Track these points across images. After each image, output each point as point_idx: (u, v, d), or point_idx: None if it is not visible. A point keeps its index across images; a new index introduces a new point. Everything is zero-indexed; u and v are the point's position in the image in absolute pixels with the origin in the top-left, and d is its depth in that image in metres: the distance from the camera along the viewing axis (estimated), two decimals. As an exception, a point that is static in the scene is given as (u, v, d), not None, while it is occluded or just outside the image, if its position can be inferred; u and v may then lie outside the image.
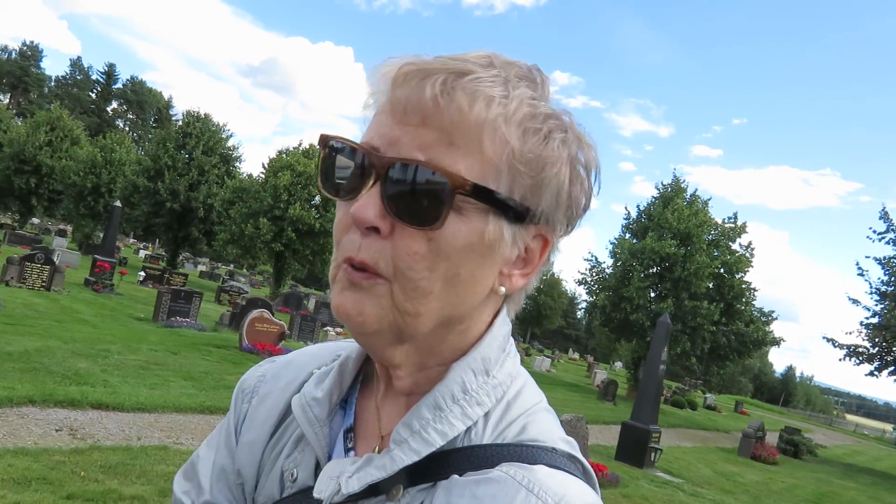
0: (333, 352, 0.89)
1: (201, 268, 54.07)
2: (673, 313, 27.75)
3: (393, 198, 0.65)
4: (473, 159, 0.65)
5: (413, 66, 0.67)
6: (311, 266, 38.30)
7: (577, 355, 78.13)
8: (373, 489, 0.70)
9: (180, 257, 47.81)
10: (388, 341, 0.71)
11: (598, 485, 0.72)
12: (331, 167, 0.72)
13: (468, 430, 0.71)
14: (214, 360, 12.69)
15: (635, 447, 12.89)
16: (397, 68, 0.68)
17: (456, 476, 0.67)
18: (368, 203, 0.66)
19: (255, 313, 14.84)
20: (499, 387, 0.73)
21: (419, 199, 0.65)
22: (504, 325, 0.77)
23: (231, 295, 27.85)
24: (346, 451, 0.78)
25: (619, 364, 61.43)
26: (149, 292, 23.75)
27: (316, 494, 0.73)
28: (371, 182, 0.66)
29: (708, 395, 44.61)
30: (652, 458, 13.04)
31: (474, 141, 0.65)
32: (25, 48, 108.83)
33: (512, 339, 0.79)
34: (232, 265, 66.07)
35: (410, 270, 0.66)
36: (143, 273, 28.92)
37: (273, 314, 15.61)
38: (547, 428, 0.73)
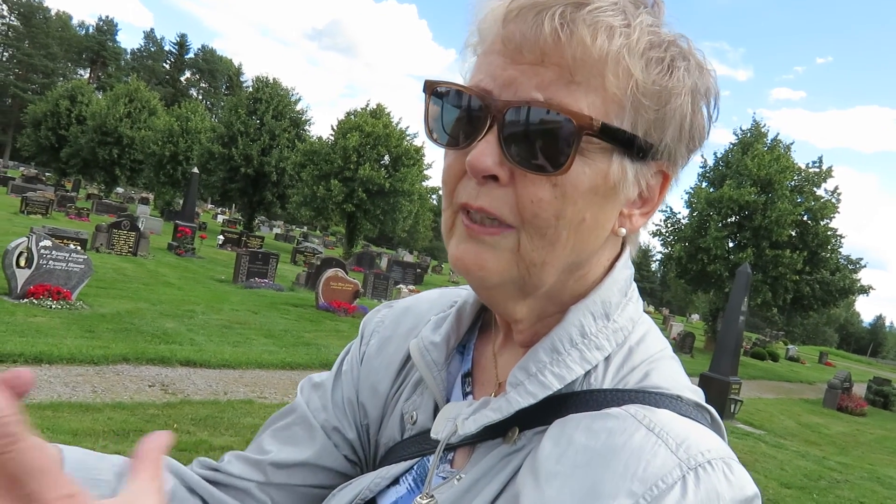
0: (451, 298, 0.89)
1: (276, 230, 55.61)
2: (753, 263, 26.86)
3: (512, 143, 0.62)
4: (595, 96, 0.62)
5: None
6: (381, 226, 38.76)
7: (652, 308, 77.04)
8: (489, 431, 0.70)
9: (256, 221, 49.19)
10: (511, 295, 0.69)
11: (726, 436, 0.68)
12: (438, 114, 0.69)
13: (587, 374, 0.69)
14: (293, 319, 13.08)
15: (714, 399, 12.65)
16: (507, 3, 0.64)
17: (573, 414, 0.65)
18: (485, 150, 0.62)
19: (329, 272, 15.18)
20: (619, 331, 0.71)
21: (542, 144, 0.61)
22: (626, 268, 0.74)
23: (306, 255, 28.52)
24: (464, 395, 0.78)
25: (695, 316, 60.22)
26: (228, 255, 24.58)
27: (433, 435, 0.73)
28: (486, 128, 0.63)
29: (790, 346, 43.35)
30: (732, 410, 12.82)
31: (597, 76, 0.61)
32: (101, 23, 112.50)
33: (634, 285, 0.76)
34: (305, 227, 67.65)
35: (537, 218, 0.63)
36: (221, 237, 29.90)
37: (347, 273, 15.93)
38: (672, 375, 0.69)
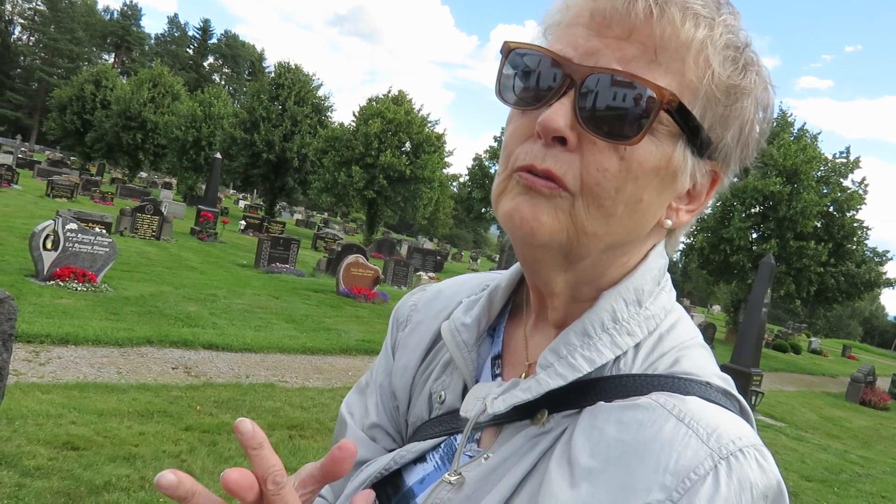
0: (483, 281, 0.90)
1: (297, 216, 55.88)
2: (777, 254, 26.54)
3: (587, 108, 0.63)
4: (673, 79, 0.63)
5: None
6: (402, 212, 38.82)
7: (672, 299, 76.42)
8: (518, 412, 0.70)
9: (277, 206, 49.47)
10: (555, 260, 0.69)
11: (754, 423, 0.68)
12: (512, 75, 0.70)
13: (617, 359, 0.69)
14: (313, 304, 13.17)
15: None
16: None
17: (602, 402, 0.65)
18: (559, 111, 0.63)
19: (350, 258, 15.25)
20: (651, 319, 0.71)
21: (618, 113, 0.62)
22: (660, 257, 0.75)
23: (327, 241, 28.68)
24: (494, 376, 0.79)
25: (716, 308, 59.72)
26: (249, 240, 24.78)
27: (463, 413, 0.74)
28: (563, 91, 0.64)
29: (813, 338, 42.86)
30: (753, 402, 12.71)
31: (678, 60, 0.63)
32: (126, 8, 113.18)
33: (668, 275, 0.76)
34: (326, 213, 67.90)
35: (598, 187, 0.63)
36: (243, 222, 30.14)
37: (367, 259, 15.99)
38: (701, 363, 0.70)
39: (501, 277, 0.85)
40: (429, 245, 46.41)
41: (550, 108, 0.63)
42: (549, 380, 0.68)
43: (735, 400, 0.68)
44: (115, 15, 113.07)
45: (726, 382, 0.69)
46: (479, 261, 50.58)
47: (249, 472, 0.57)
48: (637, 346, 0.70)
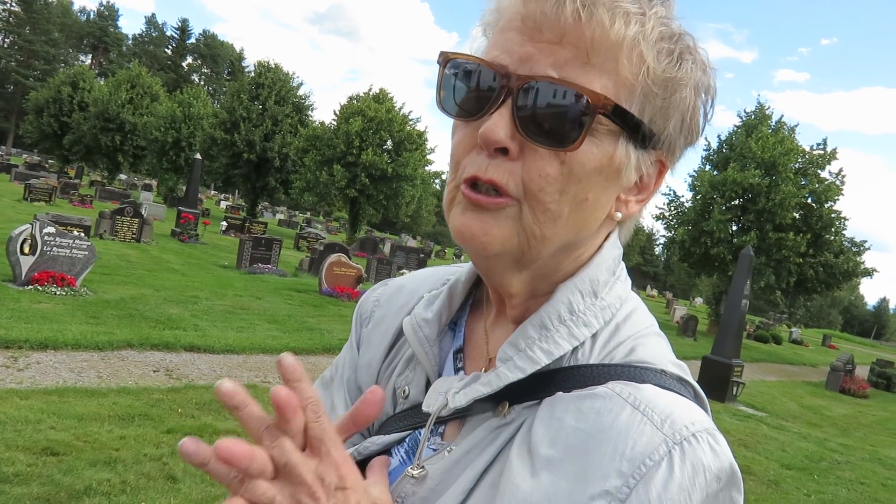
0: (444, 275, 0.91)
1: (279, 216, 55.60)
2: (756, 246, 26.81)
3: (526, 118, 0.64)
4: (608, 79, 0.64)
5: None
6: (385, 211, 38.73)
7: (655, 292, 76.99)
8: (480, 405, 0.72)
9: (259, 207, 49.14)
10: (508, 266, 0.70)
11: (709, 409, 0.70)
12: (451, 86, 0.70)
13: (575, 350, 0.71)
14: (296, 304, 13.14)
15: (717, 381, 12.70)
16: None
17: (561, 393, 0.67)
18: (499, 123, 0.64)
19: (332, 258, 15.21)
20: (607, 309, 0.73)
21: (556, 119, 0.63)
22: (614, 248, 0.76)
23: (309, 241, 28.56)
24: (456, 370, 0.80)
25: (698, 300, 60.21)
26: (231, 241, 24.62)
27: (425, 408, 0.76)
28: (500, 101, 0.65)
29: (794, 328, 43.35)
30: (734, 392, 12.86)
31: (611, 59, 0.64)
32: (102, 8, 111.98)
33: (623, 264, 0.78)
34: (309, 212, 67.62)
35: (542, 193, 0.65)
36: (225, 223, 29.95)
37: (350, 258, 15.96)
38: (656, 351, 0.71)
39: (461, 272, 0.86)
40: (412, 243, 46.38)
41: (490, 120, 0.64)
42: (508, 373, 0.69)
43: (689, 386, 0.70)
44: (92, 16, 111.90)
45: (681, 369, 0.71)
46: (462, 257, 50.62)
47: (296, 396, 0.58)
48: (594, 337, 0.71)
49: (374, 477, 0.71)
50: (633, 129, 0.66)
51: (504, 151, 0.65)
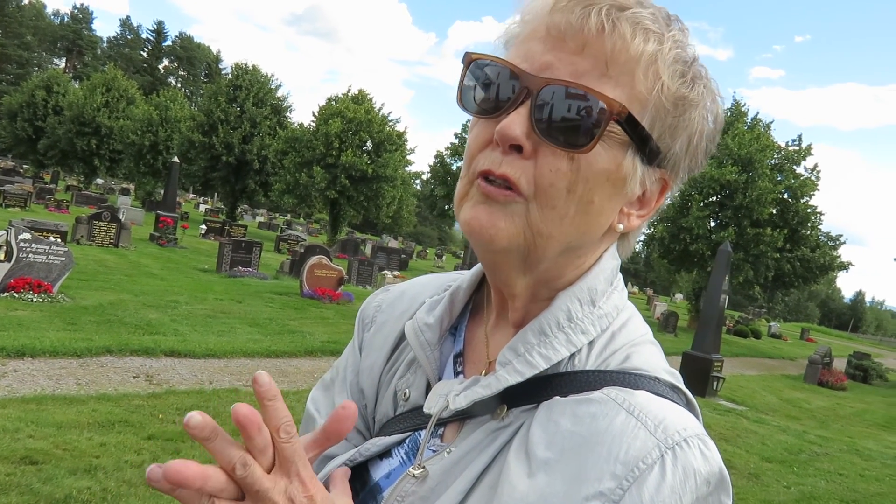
0: (445, 282, 0.93)
1: (259, 219, 55.28)
2: (734, 241, 27.09)
3: (542, 118, 0.66)
4: (622, 91, 0.67)
5: None
6: (365, 212, 38.65)
7: (636, 289, 77.50)
8: (479, 408, 0.74)
9: (239, 209, 48.83)
10: (515, 264, 0.72)
11: (700, 415, 0.73)
12: (472, 86, 0.73)
13: (572, 356, 0.73)
14: (277, 307, 13.07)
15: (697, 376, 12.82)
16: None
17: (558, 397, 0.69)
18: (516, 121, 0.67)
19: (313, 260, 15.15)
20: (604, 317, 0.75)
21: (571, 122, 0.66)
22: (612, 258, 0.78)
23: (290, 243, 28.46)
24: (456, 374, 0.82)
25: (679, 296, 60.66)
26: (211, 244, 24.46)
27: (426, 410, 0.78)
28: (520, 101, 0.67)
29: (773, 323, 43.85)
30: (714, 387, 12.99)
31: (628, 73, 0.67)
32: (76, 11, 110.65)
33: (620, 275, 0.80)
34: (289, 215, 67.27)
35: (552, 188, 0.67)
36: (204, 226, 29.73)
37: (331, 260, 15.91)
38: (650, 359, 0.74)
39: (463, 278, 0.88)
40: (393, 244, 46.29)
41: (508, 118, 0.67)
42: (507, 377, 0.71)
43: (682, 393, 0.73)
44: (66, 19, 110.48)
45: (674, 377, 0.73)
46: (444, 258, 50.59)
47: (257, 411, 0.60)
48: (591, 344, 0.74)
49: (337, 488, 0.74)
50: (642, 143, 0.69)
51: (518, 149, 0.67)
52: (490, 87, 0.71)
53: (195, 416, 0.57)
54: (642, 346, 0.75)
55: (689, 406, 0.72)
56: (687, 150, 0.72)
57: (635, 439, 0.62)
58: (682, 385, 0.73)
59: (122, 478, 4.55)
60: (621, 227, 0.74)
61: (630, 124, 0.67)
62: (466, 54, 0.74)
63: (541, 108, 0.66)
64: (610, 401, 0.66)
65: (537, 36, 0.69)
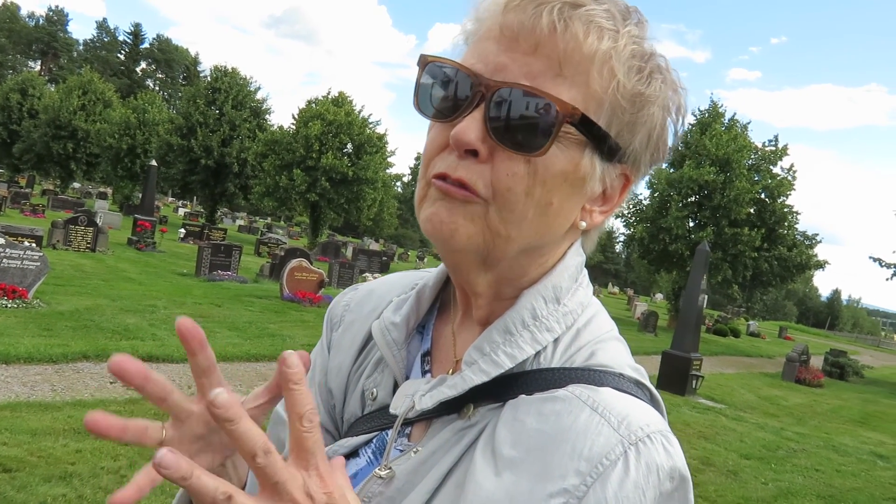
0: (412, 280, 0.92)
1: (239, 222, 54.97)
2: (713, 241, 27.37)
3: (497, 122, 0.66)
4: (577, 92, 0.66)
5: None
6: (346, 214, 38.55)
7: (616, 289, 77.94)
8: (445, 407, 0.73)
9: (218, 213, 48.53)
10: (475, 263, 0.72)
11: (665, 411, 0.73)
12: (428, 88, 0.72)
13: (537, 354, 0.73)
14: (257, 311, 12.99)
15: (676, 375, 12.92)
16: None
17: (524, 396, 0.69)
18: (470, 125, 0.66)
19: (293, 263, 15.08)
20: (569, 314, 0.75)
21: (525, 125, 0.65)
22: (577, 255, 0.78)
23: (270, 247, 28.30)
24: (423, 373, 0.82)
25: (659, 296, 61.12)
26: (190, 248, 24.26)
27: (392, 410, 0.77)
28: (474, 104, 0.67)
29: (751, 322, 44.32)
30: (693, 386, 13.09)
31: (583, 73, 0.66)
32: (51, 13, 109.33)
33: (585, 271, 0.80)
34: (269, 218, 66.93)
35: (509, 192, 0.66)
36: (183, 230, 29.50)
37: (311, 263, 15.85)
38: (615, 355, 0.74)
39: (429, 276, 0.88)
40: (374, 246, 46.22)
41: (462, 122, 0.66)
42: (473, 376, 0.71)
43: (646, 389, 0.73)
44: (41, 21, 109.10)
45: (639, 373, 0.73)
46: (425, 259, 50.60)
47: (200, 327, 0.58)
48: (556, 341, 0.73)
49: (343, 479, 0.72)
50: (599, 141, 0.68)
51: (474, 154, 0.66)
52: (445, 90, 0.70)
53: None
54: (607, 342, 0.75)
55: (653, 402, 0.72)
56: (647, 144, 0.72)
57: (599, 436, 0.62)
58: (647, 381, 0.74)
59: (98, 484, 4.50)
60: (584, 224, 0.74)
61: (585, 125, 0.66)
62: (421, 56, 0.73)
63: (495, 110, 0.66)
64: (574, 398, 0.66)
65: (492, 36, 0.68)
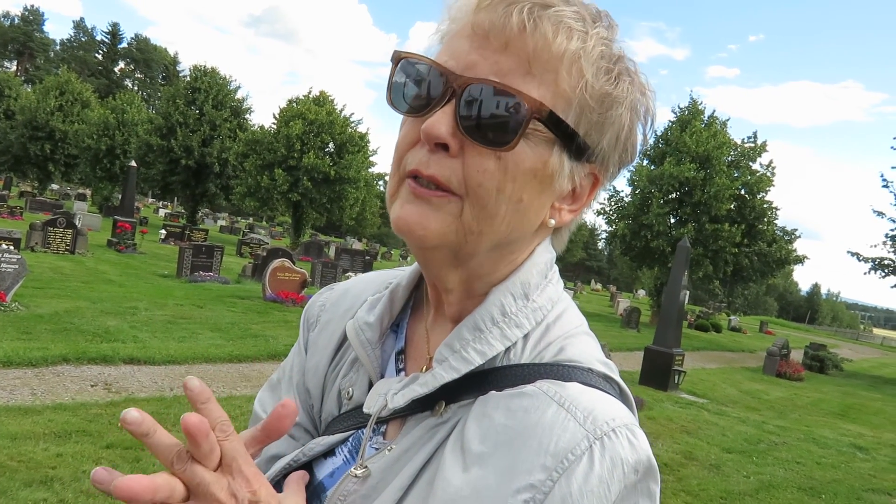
0: (387, 279, 0.93)
1: (221, 222, 54.52)
2: (694, 237, 27.61)
3: (467, 117, 0.67)
4: (546, 90, 0.67)
5: None
6: (328, 214, 38.41)
7: (599, 286, 78.30)
8: (418, 405, 0.74)
9: (200, 213, 48.15)
10: (446, 260, 0.73)
11: (634, 405, 0.74)
12: (401, 84, 0.73)
13: (507, 350, 0.74)
14: (239, 311, 12.92)
15: (659, 371, 13.02)
16: None
17: (494, 392, 0.70)
18: (441, 120, 0.67)
19: (275, 263, 15.01)
20: (539, 310, 0.76)
21: (494, 121, 0.66)
22: (546, 252, 0.79)
23: (252, 247, 28.13)
24: (398, 371, 0.83)
25: (641, 292, 61.54)
26: (171, 249, 24.06)
27: (365, 409, 0.78)
28: (445, 99, 0.68)
29: (732, 317, 44.71)
30: (675, 381, 13.19)
31: (551, 71, 0.67)
32: (27, 13, 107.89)
33: (556, 267, 0.81)
34: (251, 218, 66.54)
35: (481, 188, 0.67)
36: (164, 231, 29.23)
37: (294, 263, 15.78)
38: (585, 350, 0.75)
39: (403, 275, 0.89)
40: (357, 245, 46.08)
41: (433, 117, 0.67)
42: (444, 374, 0.72)
43: (615, 383, 0.74)
44: (16, 20, 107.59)
45: (608, 367, 0.74)
46: (409, 258, 50.54)
47: (206, 420, 0.60)
48: (526, 337, 0.74)
49: (290, 489, 0.75)
50: (568, 139, 0.69)
51: (445, 148, 0.67)
52: (418, 86, 0.71)
53: (132, 412, 0.57)
54: (577, 337, 0.76)
55: (621, 396, 0.73)
56: (615, 145, 0.73)
57: (565, 431, 0.63)
58: (616, 375, 0.75)
59: (79, 488, 4.46)
60: (553, 222, 0.75)
61: (553, 122, 0.67)
62: (395, 53, 0.74)
63: (466, 106, 0.67)
64: (542, 394, 0.67)
65: (464, 34, 0.70)
